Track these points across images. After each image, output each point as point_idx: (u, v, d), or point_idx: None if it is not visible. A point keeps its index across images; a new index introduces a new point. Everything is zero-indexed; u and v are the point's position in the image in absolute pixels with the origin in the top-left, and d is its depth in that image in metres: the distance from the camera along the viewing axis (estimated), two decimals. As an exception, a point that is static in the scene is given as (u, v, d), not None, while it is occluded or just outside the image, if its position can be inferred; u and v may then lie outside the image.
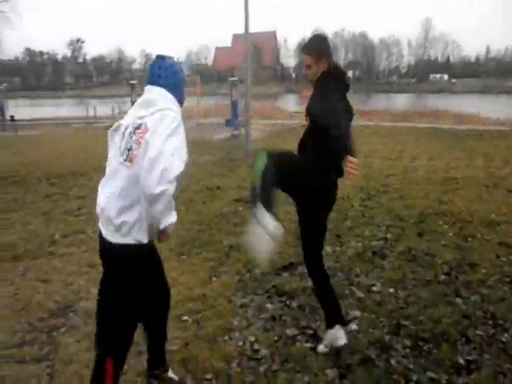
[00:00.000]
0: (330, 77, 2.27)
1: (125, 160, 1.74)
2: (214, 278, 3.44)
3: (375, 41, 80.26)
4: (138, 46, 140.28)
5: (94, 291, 3.23)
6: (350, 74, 76.50)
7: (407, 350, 2.47)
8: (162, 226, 1.76)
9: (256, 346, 2.54)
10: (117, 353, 1.80)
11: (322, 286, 2.48)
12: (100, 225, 1.85)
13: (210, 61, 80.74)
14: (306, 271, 3.52)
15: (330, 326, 2.46)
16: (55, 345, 2.60)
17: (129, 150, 1.73)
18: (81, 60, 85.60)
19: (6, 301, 2.30)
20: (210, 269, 3.62)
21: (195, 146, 11.47)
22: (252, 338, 2.62)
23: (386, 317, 2.82)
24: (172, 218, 1.77)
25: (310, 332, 2.69)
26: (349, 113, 2.32)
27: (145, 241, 1.77)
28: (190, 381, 2.24)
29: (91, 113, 20.23)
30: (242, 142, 11.48)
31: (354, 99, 2.57)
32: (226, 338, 2.63)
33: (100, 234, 1.85)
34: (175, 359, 2.41)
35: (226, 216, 5.06)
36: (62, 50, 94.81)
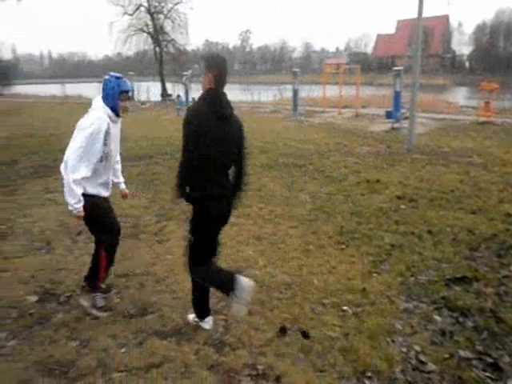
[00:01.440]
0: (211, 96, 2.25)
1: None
2: (375, 274, 3.31)
3: None
4: (298, 36, 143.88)
5: (261, 262, 3.54)
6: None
7: None
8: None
9: (422, 358, 2.34)
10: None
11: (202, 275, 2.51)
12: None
13: (369, 48, 77.09)
14: (484, 289, 3.11)
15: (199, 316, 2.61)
16: (227, 302, 2.92)
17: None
18: (248, 49, 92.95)
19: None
20: (370, 264, 3.49)
21: (353, 135, 11.26)
22: (417, 348, 2.42)
23: None
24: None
25: (490, 360, 2.33)
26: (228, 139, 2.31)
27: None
28: (350, 370, 2.22)
29: (256, 98, 21.85)
30: (403, 136, 10.66)
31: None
32: (388, 339, 2.50)
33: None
34: (335, 346, 2.42)
35: (386, 212, 4.80)
36: (233, 41, 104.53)
